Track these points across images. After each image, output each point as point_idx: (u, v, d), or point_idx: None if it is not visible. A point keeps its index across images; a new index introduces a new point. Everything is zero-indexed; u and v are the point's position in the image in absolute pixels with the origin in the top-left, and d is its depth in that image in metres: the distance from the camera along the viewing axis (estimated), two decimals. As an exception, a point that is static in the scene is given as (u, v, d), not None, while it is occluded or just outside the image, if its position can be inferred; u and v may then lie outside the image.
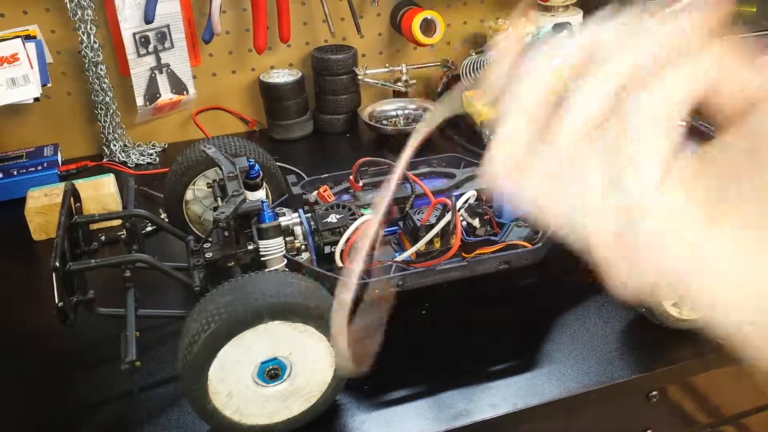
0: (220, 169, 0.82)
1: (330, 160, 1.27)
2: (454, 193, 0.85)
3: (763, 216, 0.23)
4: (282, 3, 1.24)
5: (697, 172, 0.25)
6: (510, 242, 0.81)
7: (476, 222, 0.82)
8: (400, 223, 0.85)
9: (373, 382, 0.75)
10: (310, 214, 0.81)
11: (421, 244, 0.80)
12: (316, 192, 0.85)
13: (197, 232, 0.93)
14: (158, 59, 1.24)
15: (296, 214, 0.81)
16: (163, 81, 1.26)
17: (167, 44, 1.24)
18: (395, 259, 0.80)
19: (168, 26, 1.23)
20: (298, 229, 0.80)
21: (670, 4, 0.26)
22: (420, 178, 0.87)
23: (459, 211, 0.81)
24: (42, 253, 1.02)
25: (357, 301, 0.29)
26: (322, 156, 1.30)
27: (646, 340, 0.80)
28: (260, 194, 0.84)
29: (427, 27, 1.32)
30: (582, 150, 0.25)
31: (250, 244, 0.77)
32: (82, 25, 1.16)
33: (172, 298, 0.86)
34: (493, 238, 0.82)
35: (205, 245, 0.78)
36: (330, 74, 1.31)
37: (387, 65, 1.36)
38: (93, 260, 0.74)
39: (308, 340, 0.65)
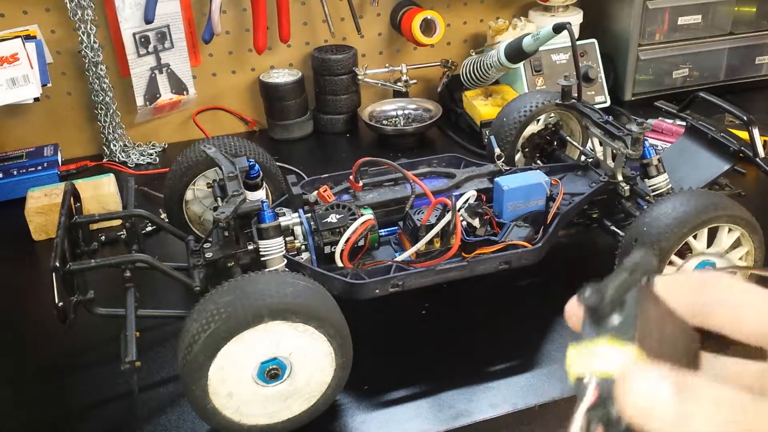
0: (220, 169, 0.82)
1: (330, 160, 1.27)
2: (454, 193, 0.85)
3: None
4: (282, 3, 1.24)
5: None
6: (510, 242, 0.81)
7: (476, 222, 0.82)
8: (400, 223, 0.85)
9: (373, 382, 0.75)
10: (310, 214, 0.81)
11: (421, 244, 0.80)
12: (316, 192, 0.85)
13: (197, 232, 0.93)
14: (158, 59, 1.24)
15: (296, 214, 0.81)
16: (163, 81, 1.26)
17: (167, 44, 1.24)
18: (395, 259, 0.80)
19: (168, 26, 1.23)
20: (298, 229, 0.80)
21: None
22: (420, 178, 0.87)
23: (459, 211, 0.81)
24: (42, 253, 1.02)
25: None
26: (322, 156, 1.30)
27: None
28: (260, 194, 0.84)
29: (427, 27, 1.32)
30: None
31: (250, 244, 0.77)
32: (82, 25, 1.16)
33: (172, 298, 0.86)
34: (493, 238, 0.82)
35: (205, 245, 0.78)
36: (330, 74, 1.31)
37: (387, 65, 1.36)
38: (93, 260, 0.74)
39: (308, 340, 0.65)
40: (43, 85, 1.12)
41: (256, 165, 0.84)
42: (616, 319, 0.24)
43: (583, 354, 0.24)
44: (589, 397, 0.23)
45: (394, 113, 1.36)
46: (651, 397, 0.22)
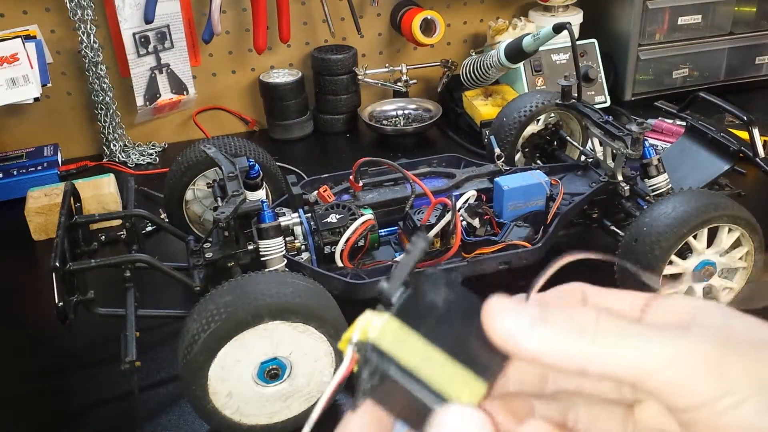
0: (220, 169, 0.82)
1: (330, 160, 1.27)
2: (454, 193, 0.85)
3: None
4: (282, 3, 1.24)
5: None
6: (510, 242, 0.81)
7: (476, 222, 0.82)
8: (400, 223, 0.85)
9: None
10: (310, 214, 0.81)
11: (421, 244, 0.79)
12: (316, 192, 0.85)
13: (197, 232, 0.93)
14: (158, 59, 1.24)
15: (296, 214, 0.81)
16: (163, 81, 1.26)
17: (167, 44, 1.24)
18: (395, 259, 0.80)
19: (168, 26, 1.23)
20: (298, 229, 0.80)
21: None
22: (420, 178, 0.87)
23: (459, 211, 0.81)
24: (42, 253, 1.02)
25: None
26: (322, 156, 1.30)
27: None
28: (260, 194, 0.84)
29: (427, 27, 1.32)
30: None
31: (250, 244, 0.77)
32: (82, 25, 1.16)
33: (172, 298, 0.86)
34: (493, 238, 0.82)
35: (205, 245, 0.78)
36: (330, 74, 1.31)
37: (387, 65, 1.36)
38: (93, 260, 0.74)
39: (308, 340, 0.65)
40: (43, 85, 1.12)
41: (256, 165, 0.84)
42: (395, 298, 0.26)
43: (355, 328, 0.26)
44: (348, 360, 0.26)
45: (394, 113, 1.36)
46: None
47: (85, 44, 1.18)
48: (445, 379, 0.25)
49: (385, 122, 1.34)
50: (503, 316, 0.26)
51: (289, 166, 1.19)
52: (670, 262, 0.76)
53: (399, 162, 0.90)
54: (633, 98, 1.40)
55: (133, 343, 0.67)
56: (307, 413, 0.69)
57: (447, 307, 0.27)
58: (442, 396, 0.25)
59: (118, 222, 0.92)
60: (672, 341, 0.23)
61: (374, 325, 0.25)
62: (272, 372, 0.65)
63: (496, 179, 0.86)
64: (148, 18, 1.18)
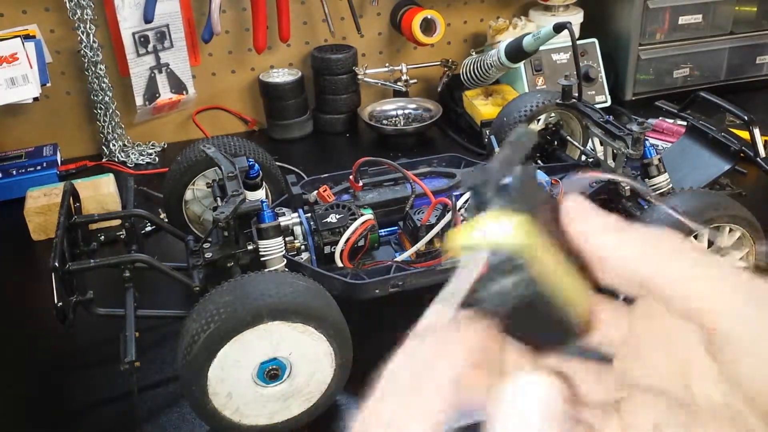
0: (220, 168, 0.82)
1: (330, 160, 1.27)
2: (455, 193, 0.85)
3: None
4: (282, 2, 1.24)
5: None
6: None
7: (476, 222, 0.82)
8: (400, 223, 0.85)
9: (373, 382, 0.75)
10: (309, 214, 0.81)
11: (421, 244, 0.79)
12: (315, 192, 0.85)
13: (197, 232, 0.93)
14: (158, 59, 1.24)
15: (296, 214, 0.81)
16: (162, 80, 1.26)
17: (167, 44, 1.24)
18: (395, 259, 0.80)
19: (167, 26, 1.23)
20: (297, 229, 0.80)
21: None
22: (420, 178, 0.87)
23: (459, 210, 0.80)
24: (41, 253, 1.02)
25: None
26: (322, 156, 1.30)
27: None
28: (260, 194, 0.84)
29: (428, 26, 1.32)
30: None
31: (249, 244, 0.77)
32: (81, 25, 1.16)
33: (171, 299, 0.86)
34: (493, 238, 0.81)
35: (204, 245, 0.78)
36: (330, 74, 1.31)
37: (387, 65, 1.36)
38: (92, 260, 0.74)
39: (308, 340, 0.65)
40: (43, 85, 1.12)
41: (256, 165, 0.84)
42: (504, 189, 0.23)
43: (472, 229, 0.23)
44: (478, 268, 0.22)
45: (394, 113, 1.36)
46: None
47: (84, 44, 1.18)
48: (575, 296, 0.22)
49: (385, 122, 1.34)
50: (587, 215, 0.24)
51: (289, 166, 1.19)
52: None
53: (399, 162, 0.90)
54: (633, 98, 1.39)
55: (132, 343, 0.67)
56: (306, 414, 0.69)
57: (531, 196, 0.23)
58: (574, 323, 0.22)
59: (117, 222, 0.92)
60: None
61: (498, 227, 0.22)
62: (272, 372, 0.65)
63: (497, 179, 0.86)
64: (148, 17, 1.18)
